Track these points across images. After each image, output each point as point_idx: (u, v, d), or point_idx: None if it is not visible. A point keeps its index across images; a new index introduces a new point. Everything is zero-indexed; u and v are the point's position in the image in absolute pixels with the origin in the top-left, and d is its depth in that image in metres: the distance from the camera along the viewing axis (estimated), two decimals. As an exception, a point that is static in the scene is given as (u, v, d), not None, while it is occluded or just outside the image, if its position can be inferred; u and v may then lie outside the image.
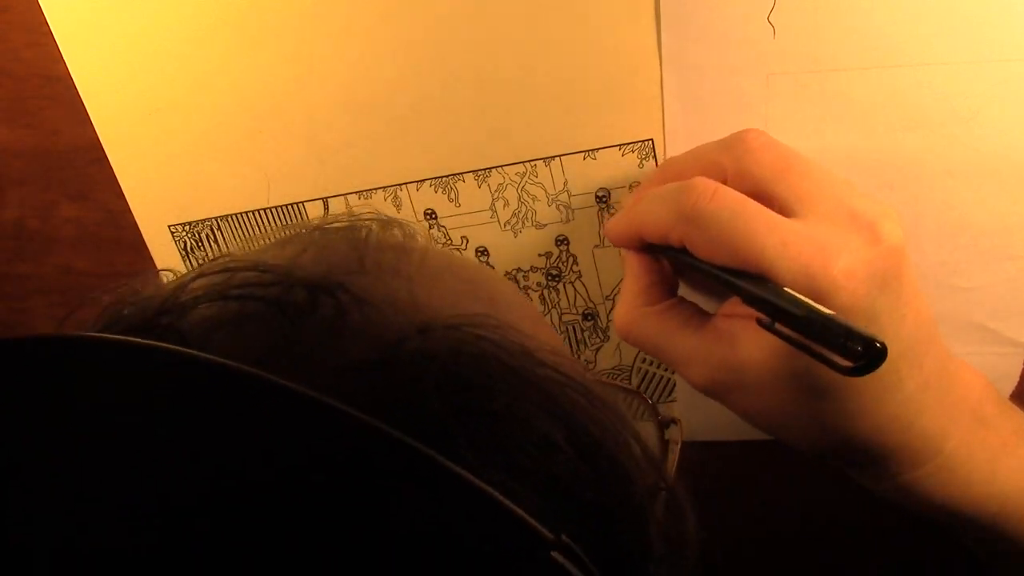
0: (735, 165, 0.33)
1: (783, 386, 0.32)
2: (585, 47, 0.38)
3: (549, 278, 0.44)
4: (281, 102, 0.42)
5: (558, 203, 0.42)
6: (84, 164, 0.46)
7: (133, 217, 0.46)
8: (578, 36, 0.38)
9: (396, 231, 0.29)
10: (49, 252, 0.49)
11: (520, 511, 0.17)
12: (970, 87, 0.35)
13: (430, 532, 0.17)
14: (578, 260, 0.44)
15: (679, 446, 0.36)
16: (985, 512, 0.34)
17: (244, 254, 0.26)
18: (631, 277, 0.37)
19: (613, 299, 0.44)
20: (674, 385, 0.46)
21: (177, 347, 0.18)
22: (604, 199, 0.42)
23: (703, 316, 0.36)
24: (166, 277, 0.27)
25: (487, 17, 0.38)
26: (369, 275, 0.24)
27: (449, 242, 0.44)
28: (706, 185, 0.32)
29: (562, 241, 0.43)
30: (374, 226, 0.28)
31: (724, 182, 0.32)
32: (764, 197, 0.32)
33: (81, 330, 0.23)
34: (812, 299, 0.28)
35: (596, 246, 0.43)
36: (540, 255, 0.44)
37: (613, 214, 0.42)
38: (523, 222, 0.43)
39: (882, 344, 0.25)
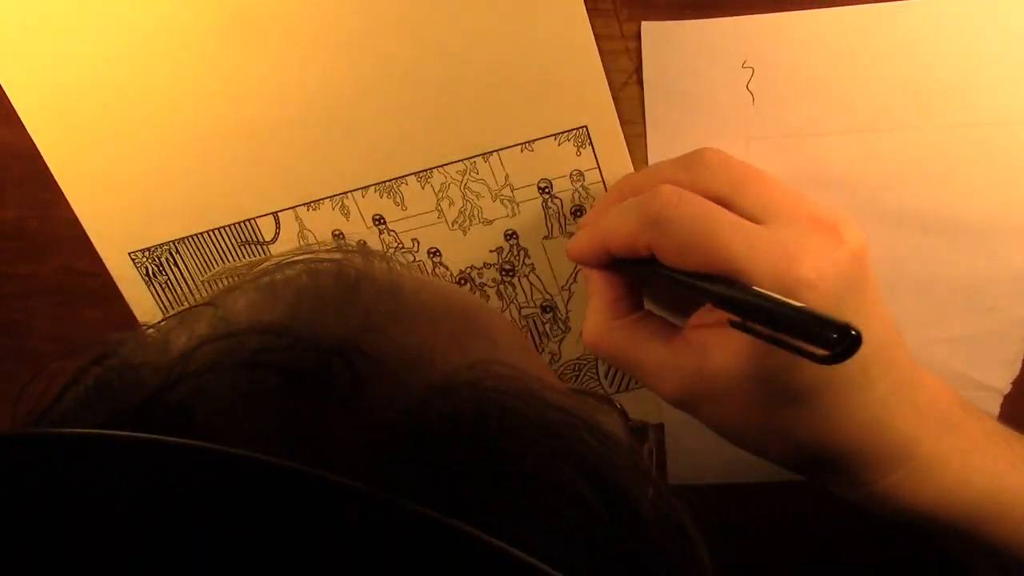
0: (694, 181, 0.33)
1: (755, 392, 0.32)
2: (512, 40, 0.38)
3: (503, 273, 0.44)
4: (222, 121, 0.42)
5: (502, 198, 0.42)
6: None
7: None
8: (505, 29, 0.38)
9: (378, 262, 0.28)
10: (49, 252, 0.49)
11: None
12: (943, 149, 0.36)
13: None
14: (529, 253, 0.44)
15: (654, 452, 0.36)
16: (960, 515, 0.34)
17: (234, 304, 0.25)
18: (596, 293, 0.37)
19: (570, 289, 0.44)
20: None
21: (216, 447, 0.17)
22: (547, 190, 0.42)
23: (671, 328, 0.36)
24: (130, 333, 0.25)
25: (413, 17, 0.38)
26: (376, 331, 0.23)
27: (400, 246, 0.44)
28: (671, 191, 0.32)
29: (511, 235, 0.43)
30: (357, 260, 0.27)
31: None
32: (724, 206, 0.32)
33: (67, 403, 0.23)
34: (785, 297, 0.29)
35: (545, 237, 0.43)
36: (491, 251, 0.44)
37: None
38: (470, 220, 0.43)
39: (856, 330, 0.25)
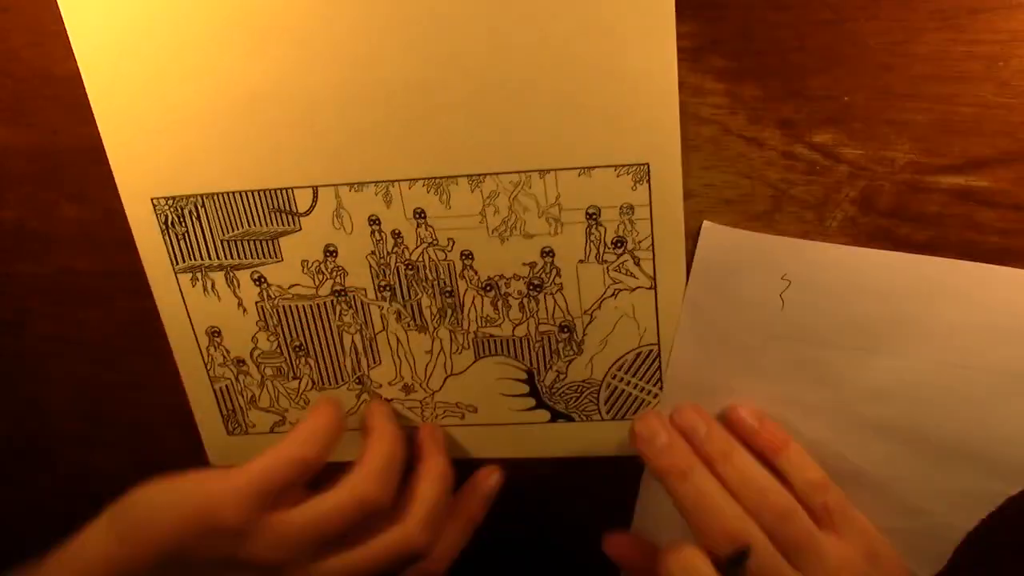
0: None
1: None
2: (596, 64, 0.39)
3: (530, 287, 0.45)
4: (279, 84, 0.41)
5: (548, 216, 0.43)
6: (84, 164, 0.46)
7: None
8: (591, 52, 0.38)
9: None
10: (49, 252, 0.49)
11: None
12: (931, 380, 0.42)
13: None
14: (561, 273, 0.44)
15: None
16: None
17: None
18: None
19: (592, 314, 0.45)
20: (642, 402, 0.47)
21: None
22: (594, 216, 0.42)
23: None
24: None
25: (503, 22, 0.39)
26: None
27: (435, 242, 0.44)
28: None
29: (548, 253, 0.44)
30: None
31: None
32: None
33: None
34: None
35: (580, 261, 0.44)
36: (524, 264, 0.44)
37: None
38: (511, 230, 0.43)
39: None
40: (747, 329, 0.44)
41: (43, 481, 0.59)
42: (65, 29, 0.42)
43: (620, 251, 0.43)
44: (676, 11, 0.37)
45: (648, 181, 0.41)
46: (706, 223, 0.42)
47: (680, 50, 0.38)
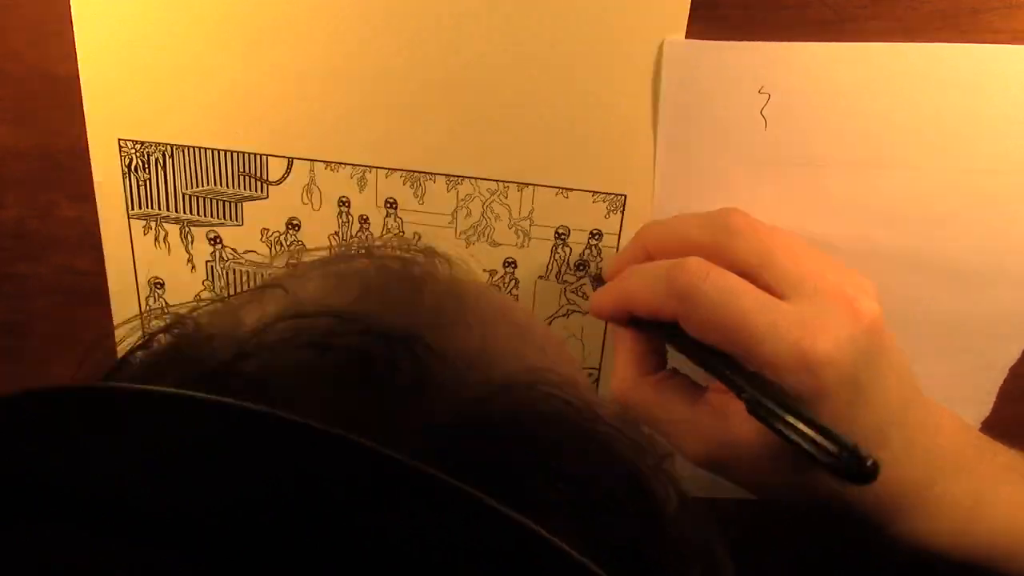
0: (719, 248, 0.35)
1: (779, 457, 0.33)
2: (591, 93, 0.40)
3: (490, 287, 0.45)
4: (274, 51, 0.41)
5: (518, 228, 0.43)
6: (84, 164, 0.45)
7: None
8: (591, 80, 0.40)
9: (440, 264, 0.29)
10: (49, 252, 0.48)
11: None
12: (942, 192, 0.38)
13: None
14: (519, 285, 0.45)
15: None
16: (974, 553, 0.36)
17: (303, 289, 0.25)
18: (624, 347, 0.39)
19: (541, 330, 0.46)
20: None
21: (300, 419, 0.17)
22: (563, 236, 0.43)
23: (696, 389, 0.37)
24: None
25: (504, 34, 0.39)
26: (440, 328, 0.24)
27: (401, 234, 0.44)
28: (699, 265, 0.34)
29: (510, 264, 0.44)
30: (421, 260, 0.28)
31: (708, 259, 0.34)
32: (750, 278, 0.34)
33: (135, 366, 0.23)
34: (802, 375, 0.31)
35: (540, 277, 0.44)
36: (484, 271, 0.45)
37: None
38: (479, 236, 0.44)
39: (874, 461, 0.27)
40: (730, 158, 0.39)
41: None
42: (65, 29, 0.41)
43: (581, 274, 0.44)
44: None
45: (622, 212, 0.42)
46: (667, 40, 0.38)
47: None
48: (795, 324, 0.32)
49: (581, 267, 0.44)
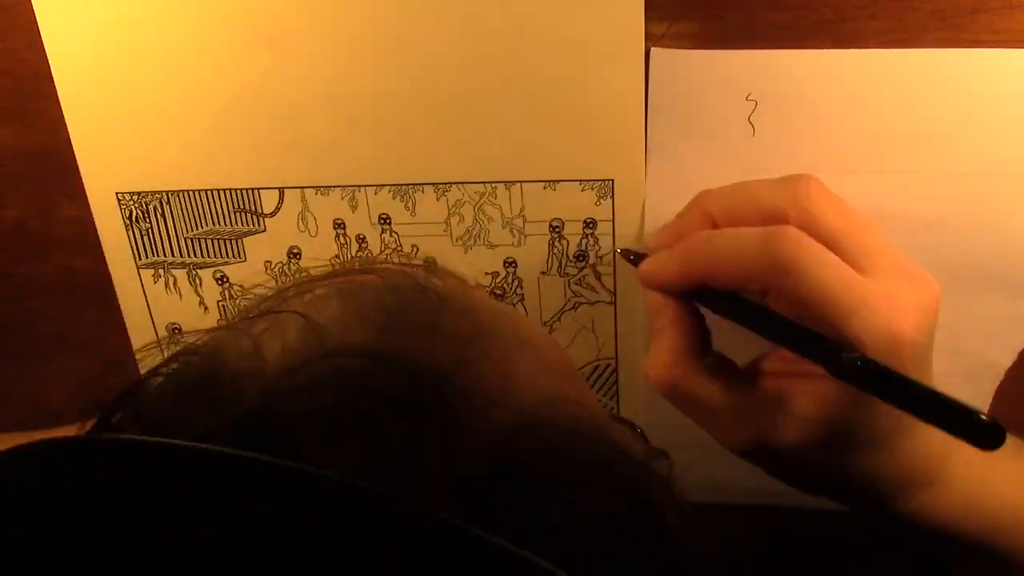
0: (800, 213, 0.33)
1: (832, 439, 0.33)
2: (565, 81, 0.39)
3: (493, 297, 0.45)
4: (253, 87, 0.42)
5: (512, 227, 0.43)
6: None
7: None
8: (561, 68, 0.39)
9: (449, 281, 0.29)
10: (49, 252, 0.49)
11: None
12: (931, 196, 0.38)
13: None
14: (523, 283, 0.45)
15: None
16: (984, 526, 0.36)
17: (318, 314, 0.25)
18: (674, 328, 0.36)
19: (552, 326, 0.45)
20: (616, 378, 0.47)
21: (324, 473, 0.18)
22: (557, 229, 0.43)
23: (745, 374, 0.36)
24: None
25: (474, 35, 0.39)
26: (463, 364, 0.24)
27: (400, 249, 0.45)
28: (798, 237, 0.32)
29: (510, 263, 0.44)
30: (423, 276, 0.28)
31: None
32: (830, 248, 0.32)
33: (161, 400, 0.23)
34: (888, 352, 0.30)
35: (542, 272, 0.44)
36: (487, 273, 0.45)
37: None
38: (475, 240, 0.44)
39: (1002, 428, 0.27)
40: (719, 164, 0.39)
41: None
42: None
43: (582, 265, 0.44)
44: (678, 10, 0.38)
45: (612, 197, 0.41)
46: (654, 49, 0.38)
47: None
48: (884, 301, 0.31)
49: (581, 258, 0.43)
